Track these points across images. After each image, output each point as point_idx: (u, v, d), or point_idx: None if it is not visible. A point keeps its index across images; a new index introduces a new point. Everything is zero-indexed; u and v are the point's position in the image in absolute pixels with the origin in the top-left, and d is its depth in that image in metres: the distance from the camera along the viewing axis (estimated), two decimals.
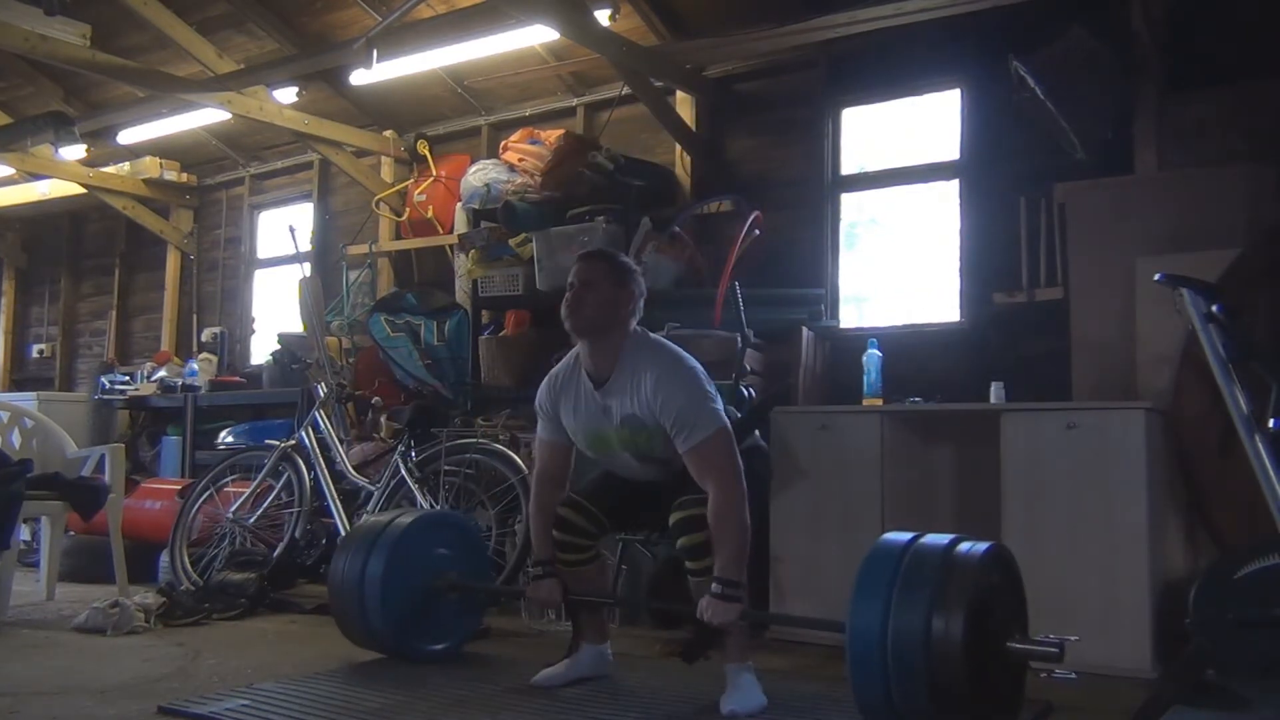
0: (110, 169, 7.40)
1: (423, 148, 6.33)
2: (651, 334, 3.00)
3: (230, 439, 5.97)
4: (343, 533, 4.47)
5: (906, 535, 2.50)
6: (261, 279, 7.51)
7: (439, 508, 4.25)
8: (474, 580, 3.48)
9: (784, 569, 3.86)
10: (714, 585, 2.70)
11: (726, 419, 2.83)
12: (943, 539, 2.45)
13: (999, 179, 4.57)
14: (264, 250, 7.51)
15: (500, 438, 4.63)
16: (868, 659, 2.32)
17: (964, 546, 2.44)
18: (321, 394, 4.88)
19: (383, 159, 6.60)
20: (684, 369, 2.85)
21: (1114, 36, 4.06)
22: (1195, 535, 3.58)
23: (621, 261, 2.98)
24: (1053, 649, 2.36)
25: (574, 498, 3.04)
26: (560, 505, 3.03)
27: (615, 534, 3.30)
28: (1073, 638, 2.43)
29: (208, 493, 4.84)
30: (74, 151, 6.41)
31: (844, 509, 3.79)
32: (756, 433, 3.13)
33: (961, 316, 4.67)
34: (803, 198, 5.11)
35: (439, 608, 3.36)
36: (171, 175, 7.47)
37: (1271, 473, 2.77)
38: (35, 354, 8.65)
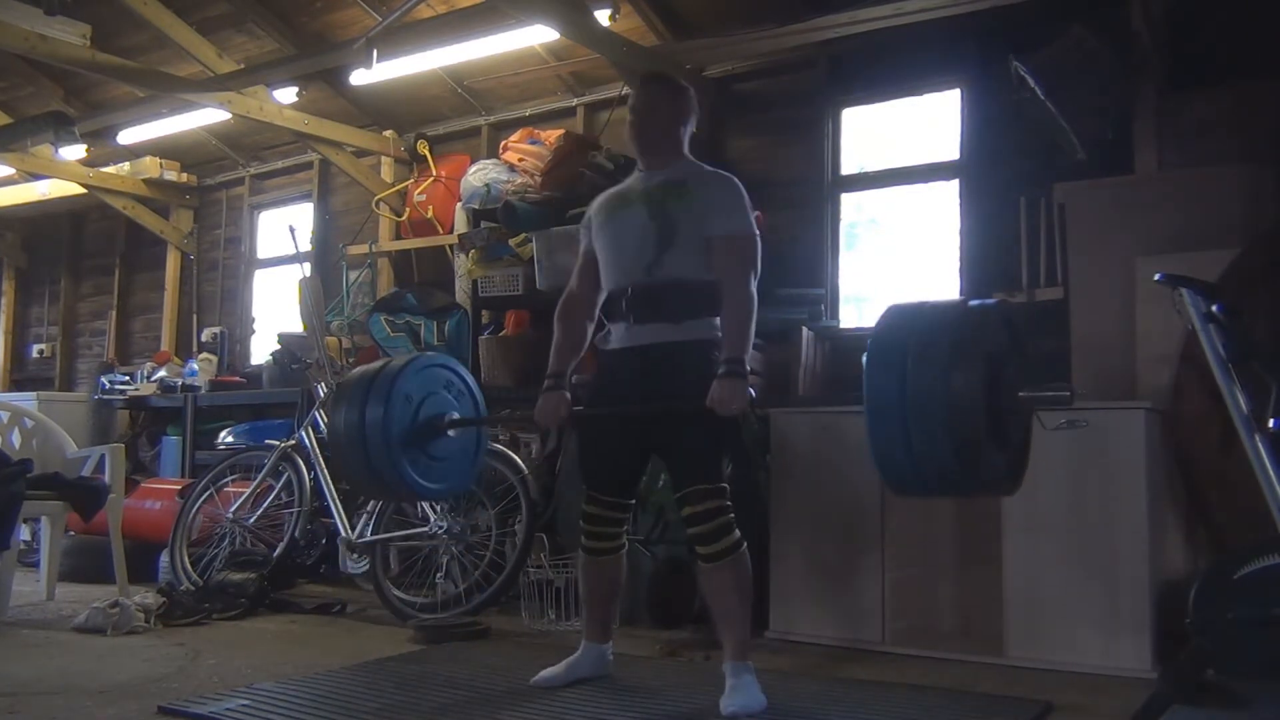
0: (110, 169, 7.40)
1: (423, 148, 6.33)
2: None
3: (230, 439, 5.97)
4: (343, 533, 4.47)
5: (913, 302, 2.53)
6: (261, 279, 7.51)
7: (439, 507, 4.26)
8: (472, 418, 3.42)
9: (784, 569, 3.86)
10: (721, 367, 2.77)
11: (759, 236, 2.95)
12: (951, 300, 2.47)
13: (999, 179, 4.57)
14: (264, 250, 7.51)
15: (500, 438, 4.63)
16: (886, 421, 2.34)
17: (974, 303, 2.49)
18: (321, 394, 4.87)
19: (383, 159, 6.60)
20: (736, 181, 2.98)
21: (1114, 36, 4.06)
22: (1195, 535, 3.58)
23: (675, 82, 3.17)
24: (1064, 394, 2.40)
25: (590, 494, 3.06)
26: (583, 504, 3.08)
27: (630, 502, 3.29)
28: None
29: (208, 493, 4.84)
30: (74, 151, 6.41)
31: (844, 509, 3.79)
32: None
33: None
34: (803, 198, 5.12)
35: (439, 448, 3.28)
36: (171, 175, 7.46)
37: (1271, 473, 2.77)
38: (35, 354, 8.65)
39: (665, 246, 2.90)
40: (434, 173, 6.26)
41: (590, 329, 3.12)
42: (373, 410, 3.10)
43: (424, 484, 3.26)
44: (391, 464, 3.13)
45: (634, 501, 3.22)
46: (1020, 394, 2.43)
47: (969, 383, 2.29)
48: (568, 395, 3.04)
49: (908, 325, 2.42)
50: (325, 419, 4.79)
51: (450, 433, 3.27)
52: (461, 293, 5.71)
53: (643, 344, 2.94)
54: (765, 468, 3.96)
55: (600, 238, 3.06)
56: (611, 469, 3.07)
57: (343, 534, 4.48)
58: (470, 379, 3.45)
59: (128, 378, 7.12)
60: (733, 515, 2.88)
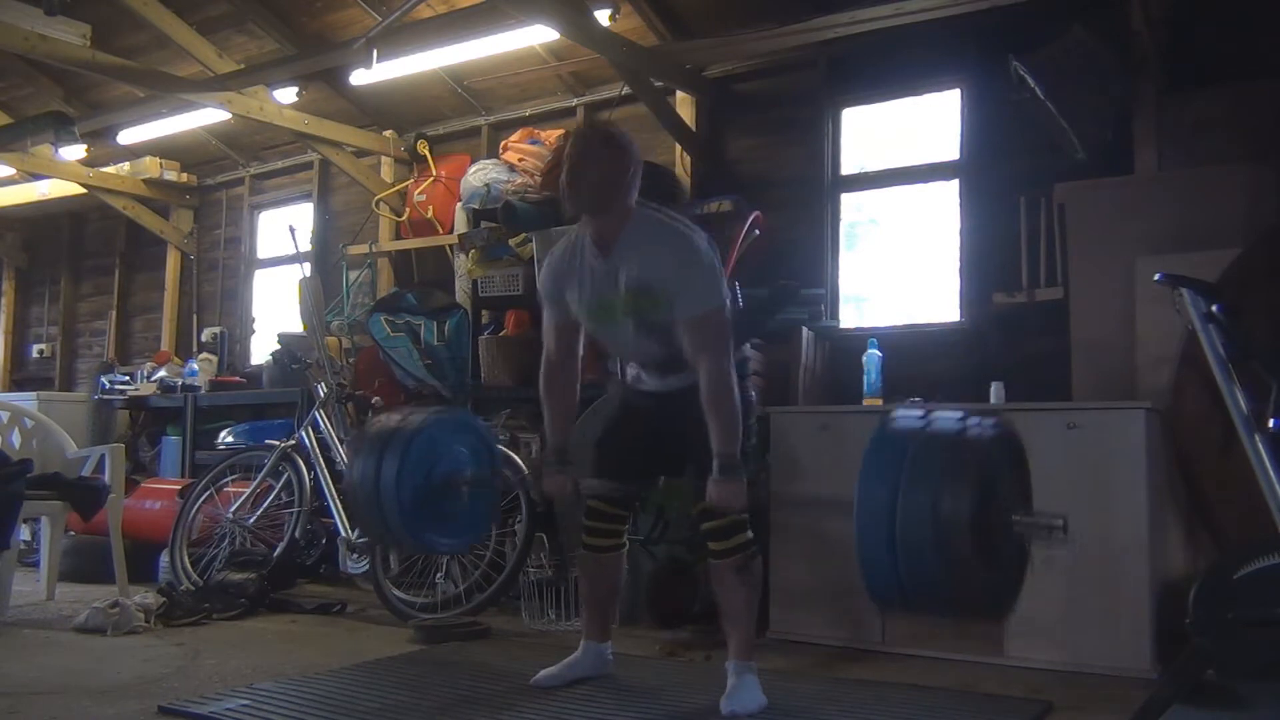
0: (110, 169, 7.40)
1: (423, 148, 6.33)
2: (658, 207, 2.98)
3: (230, 439, 5.97)
4: (343, 533, 4.47)
5: (915, 412, 2.51)
6: (261, 279, 7.51)
7: None
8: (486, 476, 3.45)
9: (784, 568, 3.86)
10: (715, 465, 2.72)
11: (727, 298, 2.85)
12: (952, 416, 2.46)
13: (999, 179, 4.57)
14: (264, 250, 7.51)
15: (500, 438, 4.63)
16: (876, 533, 2.32)
17: (973, 422, 2.45)
18: (321, 394, 4.88)
19: (383, 159, 6.60)
20: (694, 239, 2.85)
21: (1114, 36, 4.06)
22: (1195, 535, 3.58)
23: (616, 134, 2.97)
24: (1056, 523, 2.39)
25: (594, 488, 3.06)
26: (588, 499, 3.06)
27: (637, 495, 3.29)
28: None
29: (208, 493, 4.83)
30: (74, 151, 6.41)
31: (844, 508, 3.76)
32: (747, 345, 3.17)
33: (961, 316, 4.68)
34: (803, 198, 5.11)
35: (452, 504, 3.30)
36: (171, 175, 7.46)
37: (1271, 473, 2.76)
38: (35, 354, 8.65)
39: (667, 341, 2.87)
40: (434, 173, 6.25)
41: (577, 389, 3.09)
42: (388, 469, 3.15)
43: (439, 540, 3.35)
44: (406, 525, 3.19)
45: (638, 504, 3.22)
46: (1015, 518, 2.40)
47: (960, 502, 2.26)
48: (572, 472, 3.03)
49: (905, 436, 2.40)
50: (325, 419, 4.80)
51: (464, 490, 3.31)
52: (461, 293, 5.71)
53: (668, 390, 2.97)
54: (765, 468, 3.96)
55: (599, 335, 3.05)
56: (623, 467, 3.06)
57: (343, 534, 4.48)
58: (487, 432, 3.49)
59: (128, 378, 7.11)
60: (747, 515, 2.88)
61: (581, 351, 3.09)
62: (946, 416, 2.47)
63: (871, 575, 2.36)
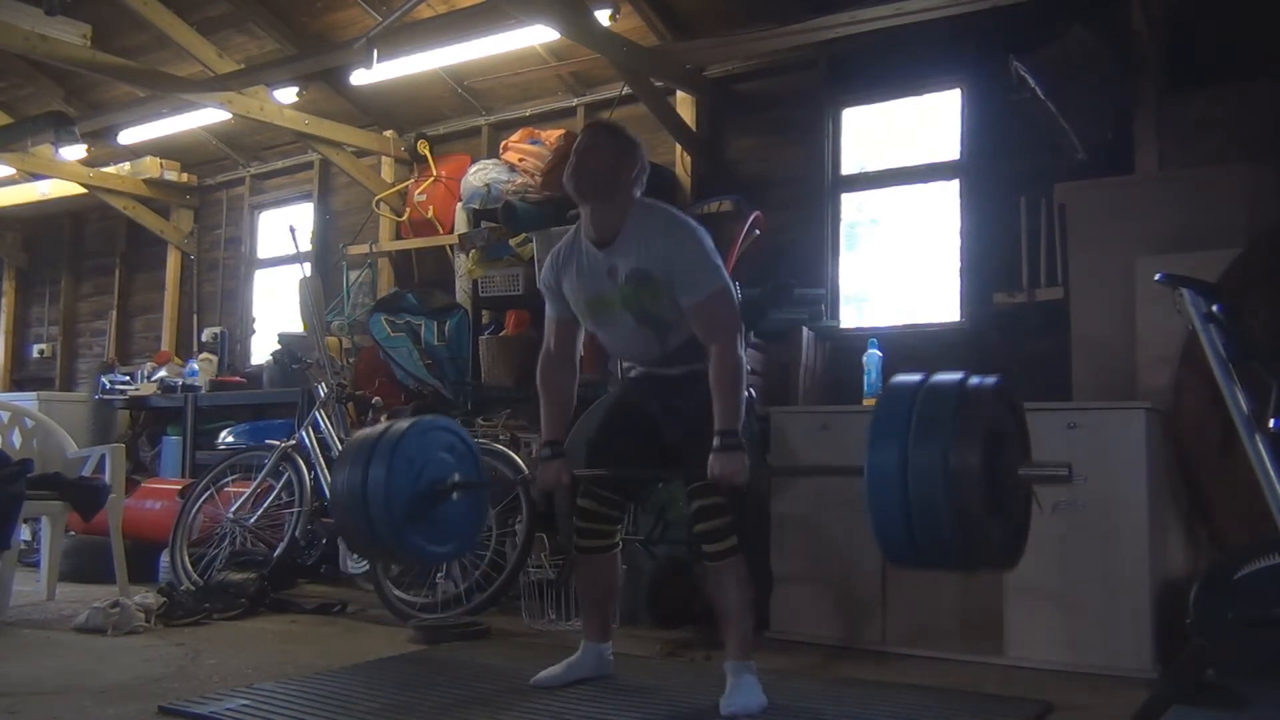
0: (110, 169, 7.40)
1: (423, 148, 6.33)
2: (658, 202, 3.02)
3: (230, 439, 5.97)
4: None
5: (917, 375, 2.53)
6: (261, 279, 7.51)
7: None
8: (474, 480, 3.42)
9: (784, 568, 3.86)
10: (715, 440, 2.73)
11: (730, 282, 2.89)
12: (953, 376, 2.49)
13: (999, 179, 4.57)
14: (264, 250, 7.51)
15: (500, 438, 4.64)
16: (887, 493, 2.35)
17: (974, 380, 2.49)
18: (322, 394, 4.88)
19: (383, 159, 6.60)
20: (692, 226, 2.91)
21: (1114, 36, 4.06)
22: (1195, 535, 3.58)
23: (623, 130, 3.03)
24: (1061, 471, 2.41)
25: (588, 487, 3.06)
26: (579, 498, 3.06)
27: (630, 497, 3.29)
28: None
29: (208, 493, 4.84)
30: (74, 151, 6.41)
31: (843, 508, 3.79)
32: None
33: (961, 316, 4.68)
34: (803, 198, 5.12)
35: (442, 511, 3.27)
36: (172, 175, 7.47)
37: (1271, 473, 2.77)
38: (35, 354, 8.66)
39: (664, 336, 2.91)
40: (434, 173, 6.26)
41: (575, 385, 3.11)
42: (374, 475, 3.11)
43: (430, 548, 3.30)
44: (396, 531, 3.15)
45: (632, 504, 3.21)
46: (1020, 470, 2.44)
47: (968, 456, 2.31)
48: (566, 461, 3.04)
49: (909, 398, 2.43)
50: (325, 419, 4.80)
51: (454, 495, 3.29)
52: (462, 293, 5.71)
53: (664, 374, 3.00)
54: (766, 467, 3.96)
55: (597, 331, 3.07)
56: (617, 461, 3.05)
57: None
58: (470, 441, 3.47)
59: (128, 378, 7.12)
60: (733, 519, 2.88)
61: (580, 350, 3.13)
62: (946, 376, 2.51)
63: (884, 531, 2.40)
